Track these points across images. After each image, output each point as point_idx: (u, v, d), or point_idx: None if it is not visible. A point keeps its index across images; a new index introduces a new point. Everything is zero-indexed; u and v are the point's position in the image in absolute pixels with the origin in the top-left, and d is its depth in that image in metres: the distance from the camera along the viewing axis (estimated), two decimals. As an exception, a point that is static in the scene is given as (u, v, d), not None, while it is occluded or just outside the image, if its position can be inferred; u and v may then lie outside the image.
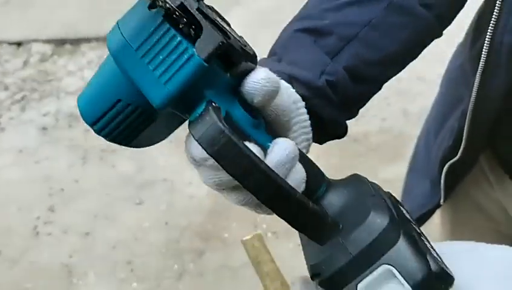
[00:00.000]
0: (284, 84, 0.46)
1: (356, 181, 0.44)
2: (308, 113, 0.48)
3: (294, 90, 0.47)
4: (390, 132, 2.77)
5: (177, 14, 0.33)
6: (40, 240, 2.32)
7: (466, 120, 0.70)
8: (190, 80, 0.35)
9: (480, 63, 0.62)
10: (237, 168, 0.35)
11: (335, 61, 0.50)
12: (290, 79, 0.48)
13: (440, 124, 0.83)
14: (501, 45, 0.61)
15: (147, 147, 0.48)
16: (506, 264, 0.40)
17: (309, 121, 0.48)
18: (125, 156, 2.75)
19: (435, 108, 0.91)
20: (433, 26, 0.56)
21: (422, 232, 0.41)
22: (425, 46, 0.59)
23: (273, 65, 0.49)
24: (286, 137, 0.43)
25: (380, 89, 0.58)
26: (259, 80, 0.38)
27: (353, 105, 0.56)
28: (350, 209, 0.40)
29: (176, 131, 0.49)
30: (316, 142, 0.54)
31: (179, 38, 0.34)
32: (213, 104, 0.37)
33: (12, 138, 2.94)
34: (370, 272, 0.36)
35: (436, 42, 0.63)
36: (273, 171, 0.36)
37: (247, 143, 0.37)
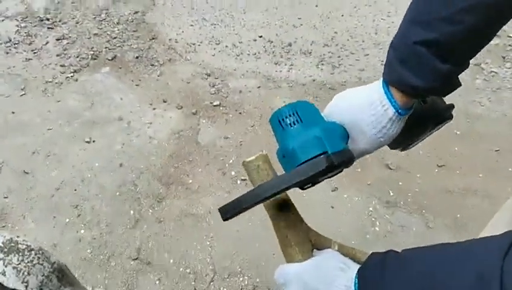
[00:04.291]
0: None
1: None
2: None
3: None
4: (367, 82, 2.59)
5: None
6: (-34, 178, 1.96)
7: None
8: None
9: None
10: None
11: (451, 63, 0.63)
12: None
13: None
14: None
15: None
16: None
17: (386, 128, 0.69)
18: (72, 90, 2.40)
19: None
20: None
21: None
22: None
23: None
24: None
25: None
26: None
27: (465, 60, 0.66)
28: None
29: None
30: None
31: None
32: None
33: None
34: None
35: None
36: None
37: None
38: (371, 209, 1.94)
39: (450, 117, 0.76)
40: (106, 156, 2.09)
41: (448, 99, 0.76)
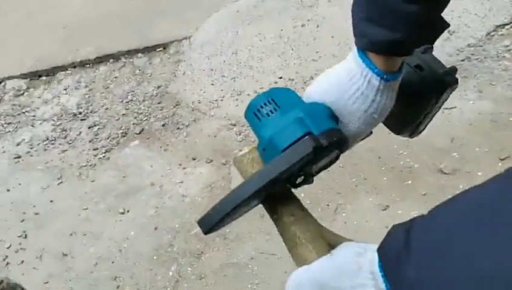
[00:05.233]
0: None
1: None
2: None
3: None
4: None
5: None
6: (11, 271, 1.94)
7: None
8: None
9: None
10: None
11: None
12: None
13: None
14: None
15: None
16: None
17: (375, 108, 0.59)
18: (105, 169, 2.41)
19: None
20: None
21: None
22: None
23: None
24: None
25: None
26: None
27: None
28: None
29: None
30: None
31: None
32: None
33: (-19, 170, 2.62)
34: None
35: None
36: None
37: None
38: (431, 219, 1.69)
39: (454, 82, 0.65)
40: (141, 222, 2.02)
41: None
